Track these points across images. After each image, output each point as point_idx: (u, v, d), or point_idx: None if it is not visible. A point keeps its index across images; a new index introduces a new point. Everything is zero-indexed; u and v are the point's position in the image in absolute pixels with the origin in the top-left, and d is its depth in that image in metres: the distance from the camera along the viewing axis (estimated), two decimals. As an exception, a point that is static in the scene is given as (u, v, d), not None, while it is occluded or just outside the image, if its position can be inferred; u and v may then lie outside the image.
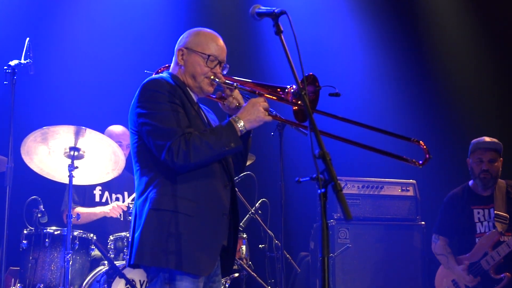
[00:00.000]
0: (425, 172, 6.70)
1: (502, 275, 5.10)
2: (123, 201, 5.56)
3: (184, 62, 3.23)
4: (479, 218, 5.36)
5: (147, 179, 3.07)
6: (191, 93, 3.23)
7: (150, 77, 3.18)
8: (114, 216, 5.32)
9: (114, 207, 5.32)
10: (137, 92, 3.14)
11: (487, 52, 7.37)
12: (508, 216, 5.22)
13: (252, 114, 3.06)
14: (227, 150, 3.02)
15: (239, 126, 3.05)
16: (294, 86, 3.03)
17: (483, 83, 7.36)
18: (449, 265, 5.39)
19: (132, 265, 3.10)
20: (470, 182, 5.51)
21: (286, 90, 3.07)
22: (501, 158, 5.38)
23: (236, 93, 3.19)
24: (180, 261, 2.95)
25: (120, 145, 5.34)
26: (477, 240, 5.30)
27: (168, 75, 3.23)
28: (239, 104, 3.18)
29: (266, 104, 3.09)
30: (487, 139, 5.38)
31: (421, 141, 3.23)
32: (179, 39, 3.30)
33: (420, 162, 3.21)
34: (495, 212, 5.25)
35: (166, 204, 3.00)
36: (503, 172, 5.51)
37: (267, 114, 3.08)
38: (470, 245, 5.32)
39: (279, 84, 3.14)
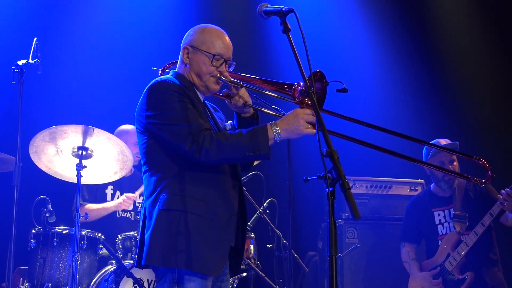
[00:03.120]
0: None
1: (465, 275, 5.07)
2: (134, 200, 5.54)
3: (189, 60, 3.20)
4: (440, 220, 5.34)
5: (156, 179, 3.06)
6: (197, 92, 3.21)
7: (156, 78, 3.17)
8: (126, 207, 5.30)
9: (125, 200, 5.32)
10: (143, 94, 3.12)
11: (495, 52, 7.34)
12: (467, 215, 5.19)
13: (291, 125, 2.95)
14: (251, 156, 2.94)
15: (274, 133, 2.96)
16: (301, 83, 2.95)
17: (490, 82, 7.33)
18: (412, 272, 5.39)
19: (141, 265, 3.09)
20: (432, 186, 5.49)
21: (293, 87, 3.00)
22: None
23: (243, 91, 3.16)
24: (189, 261, 2.94)
25: (136, 145, 5.33)
26: (440, 242, 5.28)
27: (173, 75, 3.21)
28: (246, 102, 3.16)
29: (310, 117, 2.93)
30: (442, 141, 5.32)
31: (483, 159, 3.16)
32: (185, 36, 3.28)
33: (483, 180, 3.13)
34: (453, 212, 5.23)
35: (176, 204, 2.99)
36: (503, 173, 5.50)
37: (309, 127, 2.94)
38: (434, 248, 5.31)
39: (286, 81, 3.10)
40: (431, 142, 5.27)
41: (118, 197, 5.59)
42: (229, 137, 2.95)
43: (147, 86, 3.12)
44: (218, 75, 3.17)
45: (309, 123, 2.93)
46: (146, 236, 3.03)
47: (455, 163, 5.30)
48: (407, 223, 5.53)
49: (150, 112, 3.05)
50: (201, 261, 2.96)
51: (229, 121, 3.44)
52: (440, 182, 5.36)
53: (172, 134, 2.98)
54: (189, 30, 3.29)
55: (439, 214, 5.36)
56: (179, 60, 3.28)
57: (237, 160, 3.06)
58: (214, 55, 3.16)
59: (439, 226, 5.34)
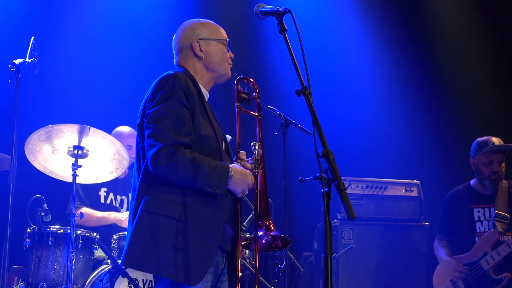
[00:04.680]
0: (429, 173, 6.71)
1: (502, 276, 5.08)
2: (128, 203, 5.53)
3: (204, 53, 3.20)
4: (479, 217, 5.35)
5: (145, 179, 3.02)
6: (203, 91, 3.19)
7: (167, 72, 3.11)
8: (125, 225, 5.27)
9: (126, 219, 5.30)
10: (152, 86, 3.08)
11: (492, 52, 7.36)
12: (509, 216, 5.20)
13: (240, 181, 3.00)
14: (209, 191, 2.94)
15: (229, 179, 2.97)
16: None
17: (487, 82, 7.35)
18: (439, 254, 5.39)
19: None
20: (472, 181, 5.50)
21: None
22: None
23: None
24: (170, 268, 2.89)
25: (129, 149, 5.32)
26: (476, 239, 5.29)
27: (183, 72, 3.16)
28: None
29: (251, 184, 3.05)
30: (495, 140, 5.35)
31: None
32: (182, 34, 3.26)
33: None
34: (496, 211, 5.24)
35: (160, 208, 2.94)
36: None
37: (245, 190, 3.05)
38: (469, 244, 5.31)
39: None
40: (483, 137, 5.37)
41: (111, 199, 5.57)
42: (201, 162, 2.91)
43: (157, 79, 3.08)
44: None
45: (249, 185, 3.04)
46: (127, 237, 2.99)
47: (503, 164, 5.35)
48: (444, 216, 5.54)
49: (151, 103, 3.01)
50: (181, 269, 2.90)
51: (228, 136, 3.44)
52: (485, 180, 5.38)
53: (151, 134, 2.95)
54: (186, 28, 3.28)
55: (478, 211, 5.37)
56: (184, 59, 3.25)
57: (192, 186, 2.95)
58: (228, 41, 3.26)
59: (478, 223, 5.35)
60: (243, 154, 3.16)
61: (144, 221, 2.94)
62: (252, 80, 3.32)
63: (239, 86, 3.26)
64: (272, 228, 3.07)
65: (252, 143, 3.16)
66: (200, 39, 3.21)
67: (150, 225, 2.93)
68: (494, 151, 5.33)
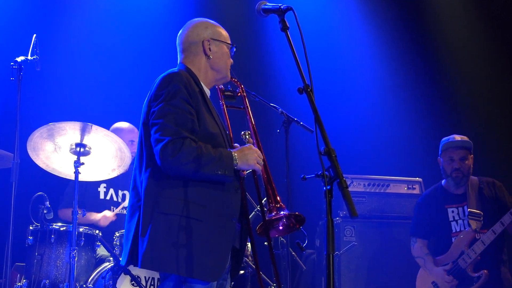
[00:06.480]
0: (431, 170, 6.70)
1: (480, 273, 5.08)
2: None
3: (212, 53, 3.24)
4: (453, 217, 5.34)
5: (155, 178, 3.02)
6: (205, 89, 3.21)
7: (170, 70, 3.14)
8: (103, 225, 5.28)
9: (105, 217, 5.32)
10: (155, 83, 3.10)
11: (493, 51, 7.35)
12: (482, 213, 5.19)
13: (246, 158, 3.06)
14: (219, 175, 2.98)
15: (234, 162, 3.04)
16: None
17: (488, 81, 7.35)
18: (427, 267, 5.37)
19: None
20: (443, 182, 5.50)
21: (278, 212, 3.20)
22: (472, 155, 5.36)
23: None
24: (190, 267, 2.91)
25: (131, 144, 5.33)
26: (453, 239, 5.28)
27: (184, 69, 3.19)
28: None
29: (259, 159, 3.11)
30: (457, 137, 5.37)
31: None
32: (194, 31, 3.28)
33: None
34: (469, 210, 5.23)
35: (175, 208, 2.96)
36: (493, 169, 5.51)
37: (259, 163, 3.11)
38: (447, 245, 5.31)
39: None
40: (445, 137, 5.37)
41: (111, 195, 5.58)
42: (207, 151, 2.96)
43: (160, 77, 3.10)
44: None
45: (258, 156, 3.11)
46: (143, 238, 2.97)
47: (466, 162, 5.32)
48: (419, 219, 5.52)
49: (155, 103, 3.03)
50: (200, 267, 2.93)
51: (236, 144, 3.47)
52: (448, 178, 5.39)
53: (158, 130, 2.96)
54: (197, 25, 3.30)
55: (452, 211, 5.35)
56: (190, 55, 3.26)
57: (204, 175, 2.98)
58: (234, 47, 3.32)
59: (453, 223, 5.33)
60: (236, 146, 3.21)
61: (160, 222, 2.95)
62: (234, 79, 3.41)
63: (221, 86, 3.37)
64: (284, 207, 3.18)
65: (242, 133, 3.26)
66: (211, 38, 3.25)
67: (166, 226, 2.94)
68: (454, 148, 5.33)
